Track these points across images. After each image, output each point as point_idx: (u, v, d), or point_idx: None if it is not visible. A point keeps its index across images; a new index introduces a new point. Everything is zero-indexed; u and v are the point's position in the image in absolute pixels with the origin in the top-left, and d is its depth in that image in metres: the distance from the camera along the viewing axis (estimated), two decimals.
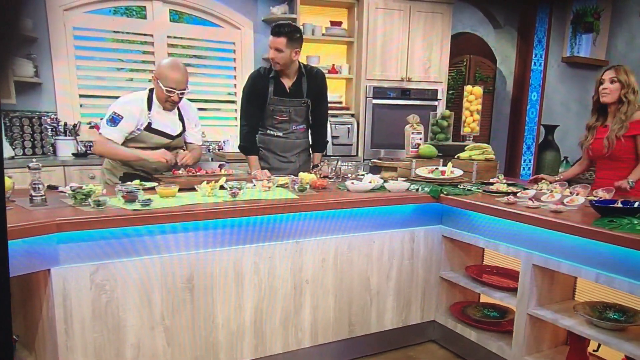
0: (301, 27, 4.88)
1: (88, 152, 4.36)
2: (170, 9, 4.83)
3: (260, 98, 3.27)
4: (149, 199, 2.13)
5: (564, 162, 6.30)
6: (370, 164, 3.20)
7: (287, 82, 3.28)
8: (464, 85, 6.30)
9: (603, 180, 2.97)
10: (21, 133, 4.02)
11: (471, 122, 3.46)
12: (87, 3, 4.49)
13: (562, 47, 6.41)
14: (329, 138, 4.72)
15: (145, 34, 4.75)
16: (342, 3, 5.04)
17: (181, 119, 3.06)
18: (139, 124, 2.89)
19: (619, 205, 2.10)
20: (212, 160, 4.70)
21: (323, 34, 5.04)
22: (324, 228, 2.49)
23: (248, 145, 3.36)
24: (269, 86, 3.26)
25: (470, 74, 6.34)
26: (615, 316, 2.18)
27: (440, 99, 5.13)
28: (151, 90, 2.95)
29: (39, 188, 2.15)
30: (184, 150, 3.09)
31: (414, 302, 2.83)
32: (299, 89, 3.29)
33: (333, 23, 5.09)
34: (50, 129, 4.35)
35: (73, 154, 4.22)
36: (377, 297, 2.71)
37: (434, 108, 5.05)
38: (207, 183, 2.46)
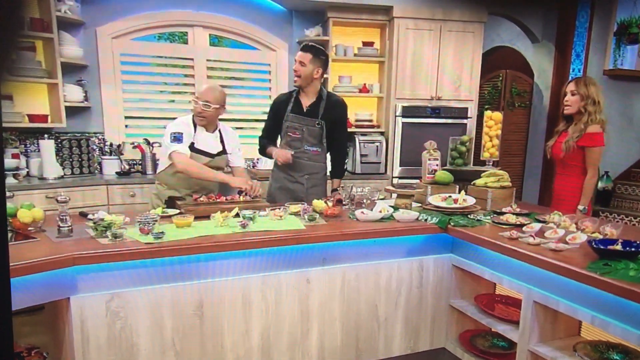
0: (334, 48, 4.95)
1: (132, 170, 4.57)
2: (210, 34, 4.99)
3: (280, 114, 3.40)
4: (162, 232, 2.23)
5: (604, 176, 6.04)
6: (384, 190, 3.19)
7: (306, 102, 3.38)
8: (500, 100, 6.19)
9: (560, 187, 3.33)
10: (70, 154, 4.25)
11: (490, 147, 3.40)
12: (134, 30, 4.71)
13: (603, 60, 6.13)
14: (357, 156, 4.79)
15: (186, 58, 4.93)
16: (374, 24, 5.04)
17: (222, 141, 3.23)
18: (189, 142, 3.07)
19: (618, 246, 2.02)
20: None
21: (355, 54, 5.07)
22: (331, 257, 2.52)
23: (264, 145, 3.48)
24: (289, 103, 3.39)
25: (507, 88, 6.18)
26: (617, 357, 2.10)
27: (470, 117, 5.04)
28: (194, 115, 3.15)
29: (66, 219, 2.29)
30: (224, 170, 3.29)
31: (423, 329, 2.81)
32: (315, 110, 3.35)
33: (365, 43, 5.11)
34: (97, 149, 4.59)
35: (117, 173, 4.44)
36: (385, 324, 2.71)
37: (464, 126, 4.98)
38: (221, 213, 2.55)
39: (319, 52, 3.29)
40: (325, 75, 4.86)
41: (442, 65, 4.96)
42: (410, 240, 2.70)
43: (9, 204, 2.33)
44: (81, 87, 4.42)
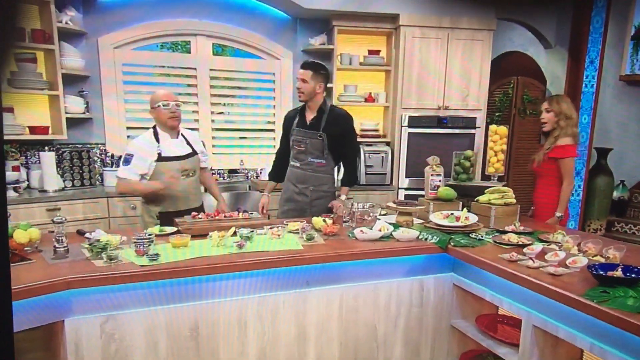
0: (339, 57, 5.00)
1: None
2: (213, 43, 5.06)
3: (288, 129, 3.63)
4: (157, 254, 2.29)
5: (620, 186, 6.02)
6: (385, 206, 3.24)
7: (309, 116, 3.56)
8: (511, 107, 6.19)
9: (539, 198, 3.65)
10: (71, 165, 4.34)
11: (495, 162, 3.42)
12: (136, 40, 4.81)
13: (620, 65, 6.12)
14: (362, 167, 4.84)
15: (189, 67, 5.01)
16: (380, 32, 5.09)
17: (188, 144, 3.34)
18: (152, 157, 3.15)
19: (619, 272, 2.04)
20: (249, 188, 4.88)
21: (361, 63, 5.12)
22: (328, 278, 2.56)
23: (271, 172, 3.82)
24: (295, 118, 3.59)
25: (518, 95, 6.18)
26: None
27: (478, 127, 5.06)
28: (154, 127, 3.26)
29: (62, 240, 2.36)
30: (195, 173, 3.37)
31: (423, 350, 2.84)
32: (318, 123, 3.50)
33: (371, 52, 5.16)
34: (98, 161, 4.69)
35: None
36: (384, 345, 2.75)
37: (472, 136, 5.00)
38: (219, 231, 2.60)
39: (319, 68, 3.47)
40: (329, 85, 4.94)
41: (450, 74, 4.99)
42: (410, 260, 2.73)
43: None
44: (82, 98, 4.51)
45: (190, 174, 3.30)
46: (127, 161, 3.14)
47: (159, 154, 3.17)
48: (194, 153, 3.34)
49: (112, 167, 4.64)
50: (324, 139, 3.48)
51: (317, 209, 3.53)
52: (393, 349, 2.78)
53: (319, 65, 3.50)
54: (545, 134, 3.65)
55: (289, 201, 3.63)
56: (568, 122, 3.49)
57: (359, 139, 5.10)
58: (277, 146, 3.86)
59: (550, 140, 3.53)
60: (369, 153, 4.95)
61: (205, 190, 3.77)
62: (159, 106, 3.16)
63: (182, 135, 3.34)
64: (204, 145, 3.70)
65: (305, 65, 3.49)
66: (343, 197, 3.58)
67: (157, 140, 3.21)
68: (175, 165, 3.21)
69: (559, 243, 2.60)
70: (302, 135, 3.53)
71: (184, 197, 3.27)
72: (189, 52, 5.04)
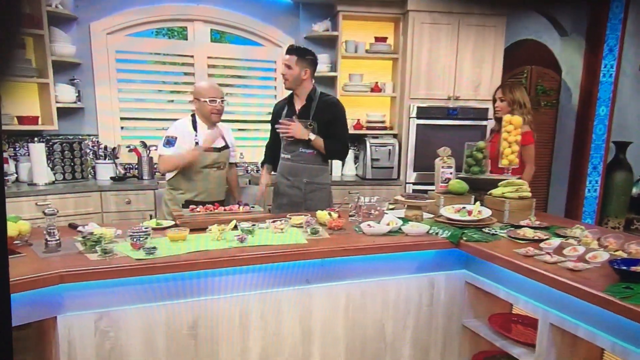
0: (344, 44, 4.99)
1: (127, 175, 4.65)
2: (211, 29, 5.05)
3: (277, 120, 3.59)
4: (154, 247, 2.28)
5: None
6: (393, 199, 3.23)
7: (299, 104, 3.56)
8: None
9: None
10: (62, 158, 4.33)
11: (510, 154, 3.40)
12: (130, 25, 4.79)
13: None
14: (368, 161, 4.83)
15: (185, 55, 5.00)
16: (387, 18, 5.08)
17: (222, 136, 3.47)
18: (189, 145, 3.31)
19: None
20: (249, 182, 4.87)
21: (366, 51, 5.10)
22: (334, 274, 2.55)
23: (264, 159, 3.82)
24: (284, 108, 3.60)
25: (532, 86, 6.16)
26: None
27: (490, 119, 5.03)
28: (193, 115, 3.43)
29: (54, 233, 2.35)
30: (225, 166, 3.52)
31: (433, 351, 2.83)
32: (307, 111, 3.51)
33: (377, 39, 5.14)
34: (91, 153, 4.68)
35: (111, 178, 4.52)
36: (392, 345, 2.74)
37: (484, 128, 4.98)
38: (219, 225, 2.60)
39: (304, 53, 3.46)
40: (333, 74, 4.94)
41: (461, 62, 4.98)
42: (420, 256, 2.72)
43: None
44: (74, 87, 4.51)
45: (222, 167, 3.47)
46: (170, 143, 3.31)
47: (196, 143, 3.33)
48: (227, 146, 3.50)
49: (105, 159, 4.63)
50: (314, 128, 3.48)
51: (312, 202, 3.52)
52: (401, 349, 2.77)
53: (304, 50, 3.50)
54: (498, 122, 3.76)
55: (282, 195, 3.63)
56: (523, 110, 3.66)
57: (364, 131, 5.11)
58: None
59: None
60: (375, 146, 4.94)
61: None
62: (205, 101, 3.31)
63: (218, 127, 3.47)
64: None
65: (289, 50, 3.48)
66: (312, 136, 3.44)
67: (195, 129, 3.37)
68: (209, 157, 3.37)
69: (577, 238, 2.59)
70: None
71: (212, 187, 3.45)
72: (186, 39, 5.03)
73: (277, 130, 3.51)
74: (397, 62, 5.12)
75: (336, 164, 5.10)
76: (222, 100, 3.36)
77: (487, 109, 5.02)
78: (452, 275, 2.80)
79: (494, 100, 3.84)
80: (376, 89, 5.14)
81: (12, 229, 2.36)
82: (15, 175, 4.26)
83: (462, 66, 4.98)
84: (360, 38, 5.09)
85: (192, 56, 4.97)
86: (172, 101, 5.13)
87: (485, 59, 5.02)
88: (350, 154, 5.33)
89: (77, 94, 4.52)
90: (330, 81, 5.03)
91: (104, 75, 4.72)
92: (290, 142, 3.50)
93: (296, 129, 3.40)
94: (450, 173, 3.27)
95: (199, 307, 2.34)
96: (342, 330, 2.63)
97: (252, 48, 5.17)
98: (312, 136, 3.43)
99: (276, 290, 2.47)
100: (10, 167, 4.22)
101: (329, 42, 5.07)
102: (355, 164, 5.35)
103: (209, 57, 5.02)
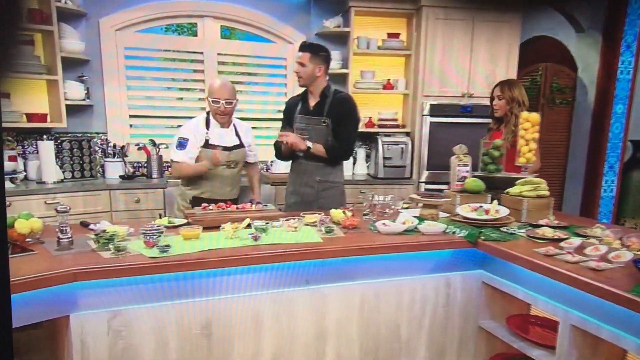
0: (355, 40, 4.98)
1: (136, 173, 4.67)
2: (221, 25, 5.06)
3: (290, 117, 3.61)
4: (167, 245, 2.29)
5: None
6: (408, 198, 3.22)
7: (312, 101, 3.55)
8: (539, 96, 6.14)
9: None
10: (70, 156, 4.36)
11: (527, 152, 3.38)
12: (139, 22, 4.81)
13: None
14: (380, 159, 4.82)
15: (195, 52, 5.01)
16: (400, 13, 5.07)
17: (237, 135, 3.51)
18: (200, 142, 3.37)
19: None
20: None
21: (379, 47, 5.10)
22: (349, 273, 2.55)
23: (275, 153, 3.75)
24: (298, 105, 3.59)
25: (546, 83, 6.13)
26: None
27: None
28: (208, 113, 3.48)
29: (66, 230, 2.36)
30: (238, 165, 3.55)
31: (449, 352, 2.82)
32: (321, 109, 3.50)
33: (390, 35, 5.13)
34: (99, 151, 4.70)
35: (120, 176, 4.54)
36: (407, 346, 2.73)
37: None
38: (232, 223, 2.60)
39: (317, 50, 3.46)
40: (345, 71, 4.93)
41: (475, 58, 4.96)
42: (436, 255, 2.71)
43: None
44: (82, 84, 4.52)
45: (232, 166, 3.49)
46: (182, 145, 3.37)
47: (207, 141, 3.38)
48: (241, 145, 3.52)
49: (114, 157, 4.65)
50: (328, 125, 3.47)
51: (326, 201, 3.51)
52: (416, 350, 2.76)
53: (317, 47, 3.49)
54: (496, 120, 3.79)
55: (294, 194, 3.64)
56: (522, 109, 3.60)
57: (376, 129, 5.10)
58: None
59: (509, 128, 3.61)
60: (388, 144, 4.93)
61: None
62: (210, 100, 3.36)
63: (234, 125, 3.51)
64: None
65: (302, 47, 3.48)
66: (309, 144, 3.43)
67: (207, 126, 3.43)
68: (223, 154, 3.40)
69: (599, 237, 2.57)
70: (306, 122, 3.52)
71: (222, 186, 3.48)
72: (195, 35, 5.04)
73: (279, 141, 3.47)
74: (409, 59, 5.11)
75: (347, 162, 5.08)
76: (228, 102, 3.34)
77: None
78: (469, 275, 2.79)
79: (492, 98, 3.79)
80: (388, 86, 5.13)
81: (24, 226, 2.37)
82: (24, 174, 4.29)
83: (477, 63, 4.97)
84: (373, 34, 5.08)
85: (201, 53, 4.98)
86: (182, 99, 5.13)
87: (500, 56, 5.00)
88: (362, 152, 5.33)
89: (85, 91, 4.54)
90: (342, 78, 5.02)
91: (112, 72, 4.74)
92: (304, 139, 3.45)
93: (292, 139, 3.38)
94: (467, 171, 3.26)
95: (212, 306, 2.34)
96: (356, 331, 2.62)
97: (262, 45, 5.17)
98: (310, 144, 3.43)
99: (290, 289, 2.46)
100: (19, 165, 4.24)
101: (341, 39, 5.07)
102: (367, 162, 5.34)
103: (218, 54, 5.03)
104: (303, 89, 3.59)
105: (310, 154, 3.46)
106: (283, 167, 4.55)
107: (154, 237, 2.35)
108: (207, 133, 3.40)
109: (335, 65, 4.89)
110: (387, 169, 4.90)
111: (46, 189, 4.05)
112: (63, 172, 4.31)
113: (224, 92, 3.34)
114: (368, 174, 5.26)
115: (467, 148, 3.37)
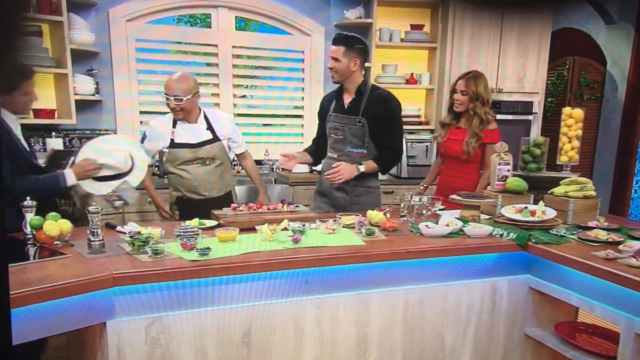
0: (377, 32, 4.97)
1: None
2: (236, 16, 5.05)
3: (324, 116, 3.55)
4: (208, 248, 2.28)
5: None
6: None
7: (347, 98, 3.45)
8: (566, 91, 6.14)
9: (447, 182, 3.70)
10: None
11: (569, 150, 3.39)
12: (151, 12, 4.79)
13: None
14: (403, 158, 4.81)
15: (209, 44, 5.00)
16: (425, 3, 5.08)
17: (210, 128, 3.47)
18: (164, 142, 3.39)
19: None
20: (275, 181, 4.86)
21: (402, 39, 5.10)
22: (392, 278, 2.54)
23: (307, 148, 3.75)
24: (332, 102, 3.50)
25: (574, 78, 6.13)
26: None
27: (535, 113, 5.03)
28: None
29: (97, 232, 2.34)
30: (214, 161, 3.51)
31: None
32: (357, 107, 3.38)
33: (414, 27, 5.13)
34: None
35: None
36: (451, 356, 2.73)
37: (528, 124, 4.96)
38: (269, 225, 2.58)
39: (352, 42, 3.31)
40: (367, 65, 4.91)
41: (504, 52, 4.96)
42: (481, 259, 2.71)
43: (36, 215, 2.39)
44: (92, 78, 4.50)
45: (208, 162, 3.45)
46: (142, 141, 3.45)
47: (172, 140, 3.38)
48: (215, 140, 3.45)
49: None
50: (364, 125, 3.36)
51: (360, 207, 3.36)
52: (460, 359, 2.76)
53: (352, 39, 3.32)
54: (454, 115, 3.73)
55: (324, 196, 3.54)
56: (485, 108, 3.58)
57: None
58: (306, 134, 3.85)
59: (473, 130, 3.56)
60: (411, 142, 4.93)
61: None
62: (163, 96, 3.36)
63: (205, 118, 3.45)
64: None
65: (336, 41, 3.32)
66: (361, 167, 3.34)
67: (175, 124, 3.40)
68: (186, 153, 3.39)
69: None
70: (339, 121, 3.42)
71: (202, 185, 3.46)
72: (209, 27, 5.03)
73: (326, 179, 3.39)
74: (434, 52, 5.10)
75: None
76: (177, 99, 3.26)
77: (532, 103, 5.02)
78: (515, 280, 2.78)
79: (454, 92, 3.69)
80: (411, 80, 5.13)
81: (53, 228, 2.35)
82: None
83: (506, 56, 4.97)
84: (396, 26, 5.08)
85: (215, 45, 4.97)
86: None
87: (531, 49, 5.01)
88: None
89: (95, 86, 4.51)
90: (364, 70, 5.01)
91: (122, 65, 4.72)
92: (338, 139, 3.42)
93: (345, 172, 3.26)
94: (508, 170, 3.25)
95: (253, 312, 2.33)
96: (399, 339, 2.62)
97: (278, 37, 5.16)
98: (362, 168, 3.33)
99: (333, 295, 2.46)
100: None
101: (362, 31, 5.05)
102: (396, 157, 5.31)
103: (233, 47, 5.02)
104: (336, 85, 3.49)
105: (360, 145, 3.38)
106: (301, 167, 4.54)
107: (191, 239, 2.34)
108: (172, 131, 3.41)
109: None
110: (411, 168, 4.90)
111: None
112: None
113: (172, 88, 3.28)
114: (390, 174, 5.25)
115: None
